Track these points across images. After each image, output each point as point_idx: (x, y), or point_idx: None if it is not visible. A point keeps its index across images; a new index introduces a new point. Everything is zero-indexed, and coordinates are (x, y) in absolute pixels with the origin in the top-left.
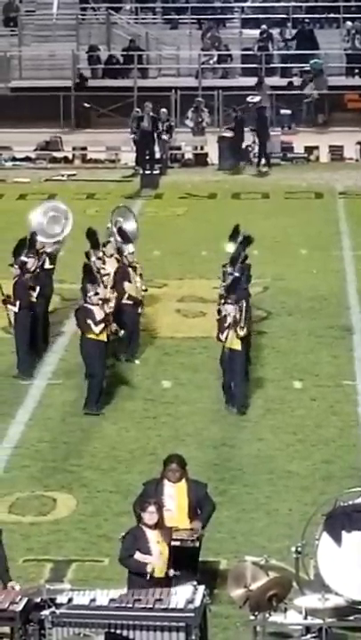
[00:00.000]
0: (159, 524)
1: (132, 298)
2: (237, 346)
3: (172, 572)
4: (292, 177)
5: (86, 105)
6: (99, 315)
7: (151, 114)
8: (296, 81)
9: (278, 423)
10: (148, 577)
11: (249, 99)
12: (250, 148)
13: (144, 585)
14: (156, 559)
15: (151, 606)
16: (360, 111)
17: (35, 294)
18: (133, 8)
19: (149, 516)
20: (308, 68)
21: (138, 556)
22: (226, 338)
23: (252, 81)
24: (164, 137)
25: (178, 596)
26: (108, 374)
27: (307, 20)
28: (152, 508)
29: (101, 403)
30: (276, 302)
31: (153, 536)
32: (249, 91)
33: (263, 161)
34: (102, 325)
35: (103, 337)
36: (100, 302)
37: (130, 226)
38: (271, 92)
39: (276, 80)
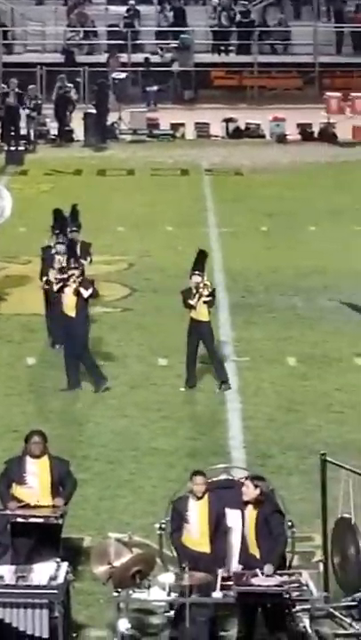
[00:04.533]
0: None
1: None
2: None
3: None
4: (157, 154)
5: None
6: None
7: (17, 90)
8: (158, 57)
9: (143, 400)
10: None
11: (114, 75)
12: (115, 125)
13: None
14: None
15: (14, 583)
16: (226, 88)
17: None
18: None
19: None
20: (175, 45)
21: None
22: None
23: (123, 57)
24: (31, 113)
25: (41, 572)
26: None
27: None
28: None
29: None
30: (142, 279)
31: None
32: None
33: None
34: None
35: None
36: None
37: None
38: (135, 69)
39: (142, 57)
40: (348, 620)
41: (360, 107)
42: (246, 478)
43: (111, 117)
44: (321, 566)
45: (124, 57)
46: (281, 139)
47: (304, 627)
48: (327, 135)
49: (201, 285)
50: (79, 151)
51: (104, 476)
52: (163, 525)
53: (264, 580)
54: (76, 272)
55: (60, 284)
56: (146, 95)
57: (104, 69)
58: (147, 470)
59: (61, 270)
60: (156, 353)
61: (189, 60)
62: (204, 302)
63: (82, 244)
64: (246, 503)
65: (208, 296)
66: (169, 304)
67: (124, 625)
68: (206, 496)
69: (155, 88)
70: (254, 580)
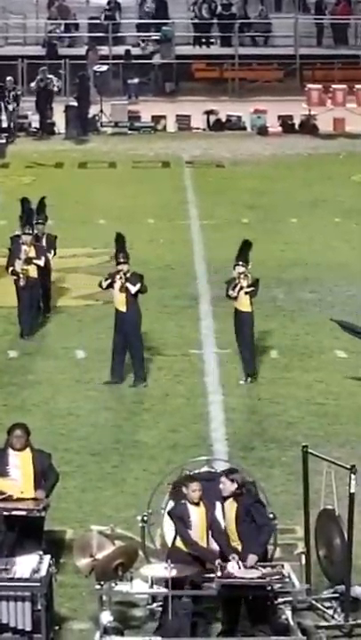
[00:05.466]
0: None
1: None
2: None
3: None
4: (139, 146)
5: None
6: None
7: None
8: (139, 50)
9: (125, 392)
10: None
11: (96, 68)
12: (97, 118)
13: None
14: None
15: None
16: (207, 80)
17: None
18: None
19: None
20: (156, 38)
21: None
22: None
23: (104, 50)
24: (10, 106)
25: (23, 565)
26: None
27: None
28: None
29: None
30: None
31: None
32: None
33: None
34: None
35: None
36: None
37: None
38: (116, 62)
39: (123, 49)
40: (330, 612)
41: (341, 99)
42: (221, 475)
43: (92, 110)
44: (303, 558)
45: (105, 50)
46: (262, 131)
47: (286, 619)
48: (308, 127)
49: (242, 276)
50: (60, 144)
51: (86, 469)
52: (145, 518)
53: (246, 573)
54: (125, 267)
55: (109, 280)
56: (127, 88)
57: (85, 62)
58: (129, 463)
59: (27, 261)
60: None
61: (171, 52)
62: (246, 293)
63: (47, 237)
64: (226, 498)
65: (249, 287)
66: (151, 296)
67: (106, 617)
68: (202, 502)
69: (136, 80)
70: (237, 573)
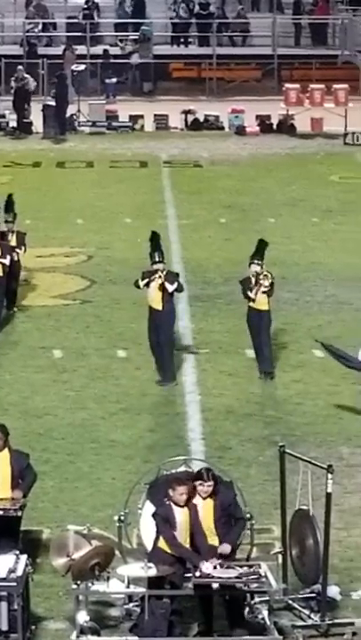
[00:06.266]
0: None
1: None
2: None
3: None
4: (116, 146)
5: None
6: None
7: None
8: (117, 49)
9: (102, 392)
10: None
11: (74, 67)
12: (75, 117)
13: None
14: None
15: None
16: (185, 80)
17: None
18: None
19: None
20: (134, 37)
21: None
22: None
23: (81, 49)
24: None
25: (0, 565)
26: None
27: None
28: None
29: None
30: (101, 271)
31: None
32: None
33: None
34: None
35: None
36: None
37: None
38: (94, 61)
39: (101, 49)
40: (307, 612)
41: (319, 98)
42: (195, 480)
43: (70, 109)
44: (280, 558)
45: (82, 49)
46: (240, 130)
47: (263, 618)
48: (286, 127)
49: (261, 276)
50: (38, 143)
51: (63, 469)
52: (122, 518)
53: (223, 573)
54: (162, 266)
55: (146, 279)
56: (105, 87)
57: (63, 61)
58: (106, 463)
59: None
60: (116, 345)
61: (149, 52)
62: (263, 292)
63: (17, 234)
64: (205, 498)
65: (267, 286)
66: (128, 296)
67: (82, 617)
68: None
69: (114, 80)
70: (213, 572)
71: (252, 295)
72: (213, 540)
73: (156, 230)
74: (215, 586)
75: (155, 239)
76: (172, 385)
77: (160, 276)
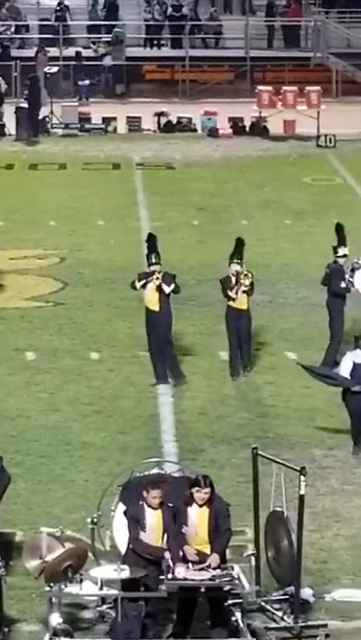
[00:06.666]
0: None
1: None
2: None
3: None
4: (89, 148)
5: None
6: None
7: None
8: (89, 51)
9: (75, 394)
10: None
11: (47, 69)
12: (47, 119)
13: None
14: None
15: None
16: (158, 82)
17: None
18: None
19: None
20: (107, 39)
21: None
22: None
23: (54, 51)
24: None
25: None
26: None
27: None
28: None
29: None
30: (74, 273)
31: None
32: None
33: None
34: None
35: None
36: None
37: None
38: (67, 63)
39: (73, 51)
40: (280, 614)
41: (291, 100)
42: (191, 486)
43: (43, 111)
44: (253, 560)
45: (55, 51)
46: (212, 133)
47: (236, 620)
48: (258, 129)
49: (242, 276)
50: (11, 145)
51: (36, 471)
52: (95, 520)
53: (196, 575)
54: (158, 268)
55: (143, 280)
56: (77, 89)
57: (36, 63)
58: (78, 464)
59: None
60: (89, 347)
61: (121, 54)
62: (243, 291)
63: None
64: (201, 505)
65: (248, 285)
66: (101, 298)
67: (55, 619)
68: (160, 508)
69: (86, 82)
70: (186, 574)
71: (232, 294)
72: (205, 547)
73: (153, 232)
74: (187, 588)
75: (151, 241)
76: (183, 382)
77: (157, 278)
